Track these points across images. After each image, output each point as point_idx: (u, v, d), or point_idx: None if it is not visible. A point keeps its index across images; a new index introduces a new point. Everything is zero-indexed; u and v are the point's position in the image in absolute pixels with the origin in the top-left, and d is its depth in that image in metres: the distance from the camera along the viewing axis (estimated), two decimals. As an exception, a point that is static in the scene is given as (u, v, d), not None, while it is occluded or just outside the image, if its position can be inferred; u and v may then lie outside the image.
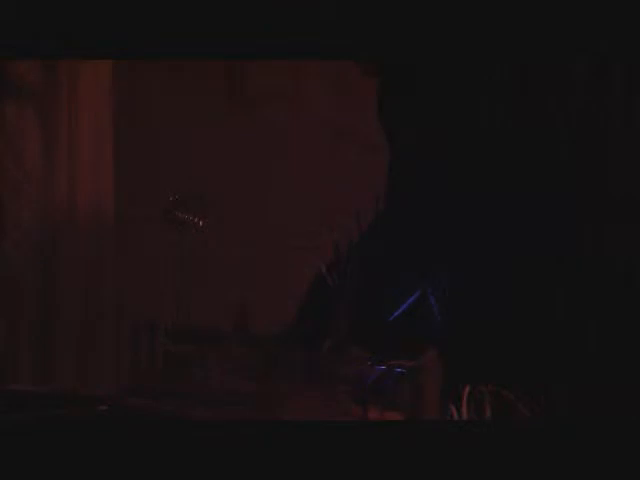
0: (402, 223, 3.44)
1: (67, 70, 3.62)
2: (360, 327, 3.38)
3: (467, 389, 2.99)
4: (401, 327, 3.37)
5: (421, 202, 3.41)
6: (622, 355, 3.12)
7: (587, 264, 3.17)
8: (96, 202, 3.70)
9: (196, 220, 3.48)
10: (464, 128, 3.31)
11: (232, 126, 3.79)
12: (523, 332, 3.19)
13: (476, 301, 3.29)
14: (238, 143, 3.78)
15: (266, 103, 3.79)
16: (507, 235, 3.24)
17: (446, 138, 3.35)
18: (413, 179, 3.40)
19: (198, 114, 3.76)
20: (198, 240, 3.47)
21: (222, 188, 3.66)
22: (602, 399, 3.03)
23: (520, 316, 3.21)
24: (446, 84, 3.32)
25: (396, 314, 3.22)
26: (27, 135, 3.62)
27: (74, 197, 3.62)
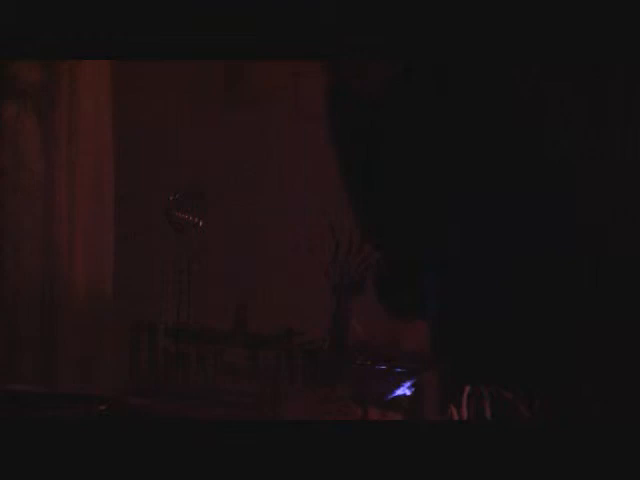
0: (402, 222, 3.44)
1: (67, 70, 3.62)
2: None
3: (467, 389, 2.99)
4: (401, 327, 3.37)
5: (421, 201, 3.41)
6: (622, 355, 3.12)
7: (588, 264, 3.17)
8: (96, 202, 3.70)
9: (196, 220, 3.48)
10: (463, 128, 3.31)
11: (232, 126, 3.79)
12: (523, 332, 3.19)
13: (476, 301, 3.29)
14: (238, 143, 3.77)
15: (266, 103, 3.79)
16: (507, 235, 3.24)
17: (445, 138, 3.35)
18: (413, 179, 3.40)
19: (198, 114, 3.76)
20: (198, 240, 3.47)
21: (222, 188, 3.66)
22: (602, 399, 3.03)
23: (520, 316, 3.21)
24: (445, 84, 3.32)
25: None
26: (27, 135, 3.62)
27: (74, 197, 3.63)
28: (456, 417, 2.96)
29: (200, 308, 3.46)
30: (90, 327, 3.63)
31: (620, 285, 3.16)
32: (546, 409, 3.02)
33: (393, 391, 3.12)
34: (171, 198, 3.49)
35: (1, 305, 3.56)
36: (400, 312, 3.43)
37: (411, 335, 3.35)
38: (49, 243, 3.63)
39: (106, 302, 3.66)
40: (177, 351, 3.36)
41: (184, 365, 3.34)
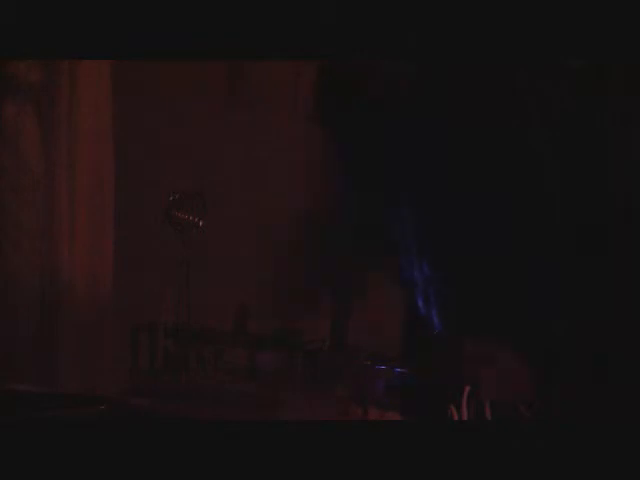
0: (402, 222, 3.44)
1: (67, 70, 3.62)
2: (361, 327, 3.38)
3: (467, 389, 2.99)
4: (401, 327, 3.37)
5: (421, 201, 3.41)
6: (622, 356, 3.12)
7: (587, 265, 3.17)
8: (96, 202, 3.70)
9: (196, 220, 3.48)
10: (463, 128, 3.32)
11: (232, 126, 3.78)
12: (523, 332, 3.19)
13: (476, 300, 3.29)
14: (238, 143, 3.77)
15: (266, 103, 3.79)
16: (506, 236, 3.24)
17: (446, 138, 3.35)
18: (413, 179, 3.40)
19: (198, 114, 3.76)
20: (198, 240, 3.47)
21: (222, 188, 3.66)
22: (603, 399, 3.03)
23: (520, 316, 3.21)
24: (446, 84, 3.32)
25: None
26: (27, 135, 3.62)
27: (74, 197, 3.62)
28: (456, 417, 2.97)
29: (200, 308, 3.46)
30: (90, 327, 3.62)
31: (620, 285, 3.16)
32: (546, 409, 3.03)
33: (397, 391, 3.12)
34: (171, 198, 3.49)
35: (1, 305, 3.56)
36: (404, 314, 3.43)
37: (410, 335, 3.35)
38: (49, 243, 3.62)
39: (106, 302, 3.66)
40: (177, 351, 3.36)
41: (184, 365, 3.34)
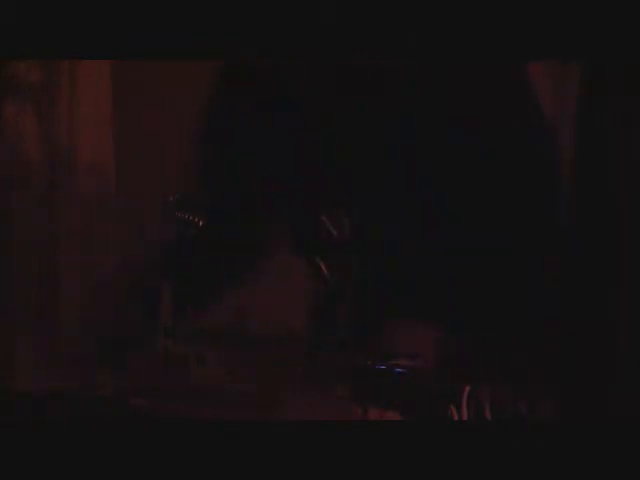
0: (401, 221, 3.44)
1: (67, 70, 3.62)
2: (360, 327, 3.38)
3: (467, 389, 2.99)
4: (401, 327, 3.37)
5: (421, 201, 3.41)
6: (621, 354, 3.12)
7: (586, 264, 3.17)
8: (96, 202, 3.70)
9: (196, 220, 3.47)
10: (463, 128, 3.32)
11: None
12: (524, 332, 3.19)
13: (475, 299, 3.29)
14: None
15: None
16: (506, 236, 3.24)
17: (445, 138, 3.35)
18: (413, 178, 3.40)
19: (198, 114, 3.75)
20: (198, 240, 3.47)
21: (222, 187, 3.66)
22: (602, 399, 3.03)
23: (520, 315, 3.21)
24: (445, 84, 3.32)
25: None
26: (27, 135, 3.62)
27: (74, 197, 3.63)
28: (456, 417, 2.96)
29: (200, 308, 3.46)
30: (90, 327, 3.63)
31: (620, 285, 3.16)
32: (546, 409, 3.02)
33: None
34: (171, 198, 3.49)
35: (1, 315, 3.56)
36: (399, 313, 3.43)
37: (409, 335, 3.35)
38: (49, 243, 3.63)
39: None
40: (177, 351, 3.36)
41: (184, 365, 3.34)
